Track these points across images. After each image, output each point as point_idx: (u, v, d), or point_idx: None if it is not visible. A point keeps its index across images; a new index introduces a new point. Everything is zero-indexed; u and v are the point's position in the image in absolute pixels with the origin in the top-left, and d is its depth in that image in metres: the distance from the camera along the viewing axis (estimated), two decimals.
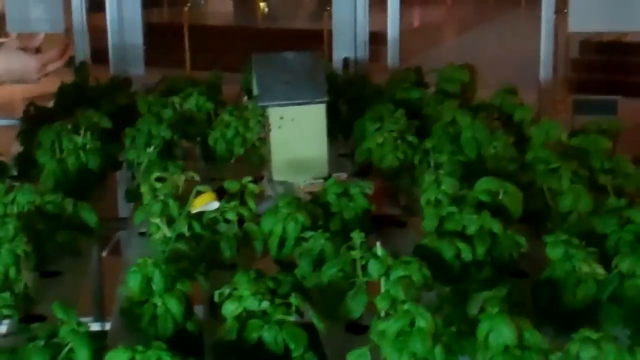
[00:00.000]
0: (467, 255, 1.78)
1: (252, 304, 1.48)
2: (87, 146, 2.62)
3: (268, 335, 1.45)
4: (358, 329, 1.77)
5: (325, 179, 2.51)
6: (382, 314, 1.56)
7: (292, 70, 2.52)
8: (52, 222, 2.14)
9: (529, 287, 1.82)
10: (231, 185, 2.07)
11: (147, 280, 1.67)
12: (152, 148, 2.55)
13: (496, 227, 1.85)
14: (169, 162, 2.48)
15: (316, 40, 10.63)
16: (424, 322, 1.36)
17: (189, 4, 12.85)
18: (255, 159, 2.86)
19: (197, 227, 2.08)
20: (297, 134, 2.53)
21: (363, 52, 4.79)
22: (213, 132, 2.83)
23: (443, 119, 2.82)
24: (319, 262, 1.86)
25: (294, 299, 1.50)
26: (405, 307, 1.38)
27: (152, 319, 1.67)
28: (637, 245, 1.79)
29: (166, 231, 2.10)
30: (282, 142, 2.52)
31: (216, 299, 1.54)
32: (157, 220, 2.11)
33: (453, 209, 1.91)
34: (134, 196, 2.54)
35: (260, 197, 2.33)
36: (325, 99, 2.52)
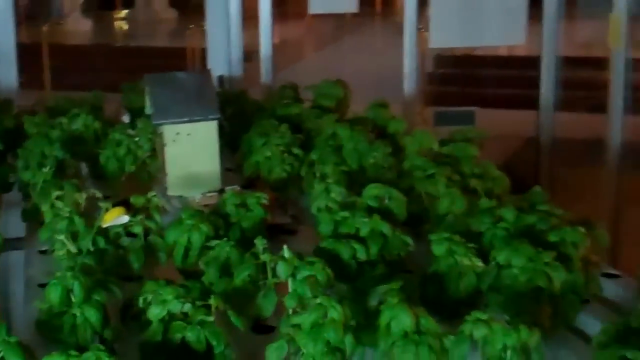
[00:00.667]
0: (362, 254, 1.96)
1: (176, 306, 1.60)
2: None
3: (191, 334, 1.58)
4: (264, 329, 1.93)
5: (218, 192, 2.66)
6: (290, 311, 1.73)
7: (184, 89, 2.66)
8: None
9: (415, 283, 2.01)
10: (137, 200, 2.18)
11: (67, 292, 1.76)
12: (47, 168, 2.62)
13: (386, 228, 2.04)
14: (64, 182, 2.57)
15: (178, 57, 10.69)
16: (336, 313, 1.52)
17: (47, 23, 12.65)
18: (145, 176, 2.96)
19: (101, 242, 2.18)
20: (191, 150, 2.66)
21: (237, 69, 4.95)
22: (104, 150, 2.91)
23: (324, 132, 3.00)
24: (224, 269, 2.00)
25: (213, 300, 1.64)
26: (318, 300, 1.55)
27: (72, 329, 1.76)
28: (510, 240, 2.00)
29: (71, 247, 2.19)
30: (176, 158, 2.65)
31: (140, 304, 1.66)
32: (61, 237, 2.20)
33: (346, 213, 2.09)
34: (30, 215, 2.61)
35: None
36: (217, 116, 2.66)
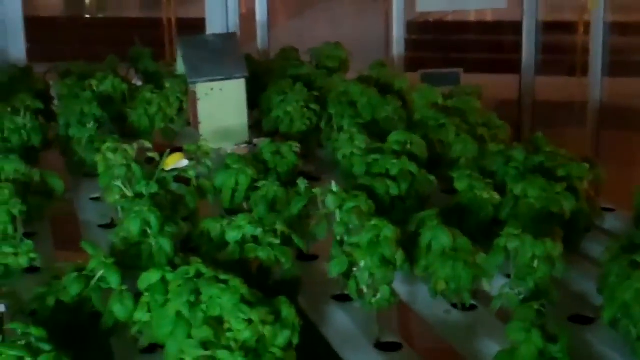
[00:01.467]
0: (394, 190, 2.23)
1: (250, 230, 1.87)
2: (28, 125, 2.91)
3: (263, 254, 1.85)
4: (309, 258, 2.20)
5: (247, 143, 2.92)
6: (339, 237, 2.00)
7: (214, 50, 2.90)
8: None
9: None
10: (189, 147, 2.43)
11: (144, 224, 2.02)
12: (91, 124, 2.86)
13: (413, 168, 2.31)
14: (106, 137, 2.82)
15: (154, 27, 10.80)
16: (389, 232, 1.80)
17: None
18: (170, 132, 3.21)
19: (155, 187, 2.44)
20: (222, 106, 2.91)
21: None
22: (136, 108, 3.15)
23: (336, 89, 3.26)
24: (271, 206, 2.26)
25: (279, 226, 1.90)
26: (373, 222, 1.82)
27: (149, 256, 2.02)
28: (522, 176, 2.28)
29: (127, 192, 2.44)
30: (209, 113, 2.90)
31: (217, 230, 1.92)
32: (118, 182, 2.45)
33: (377, 156, 2.35)
34: (76, 168, 2.86)
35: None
36: (246, 74, 2.91)
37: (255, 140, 2.91)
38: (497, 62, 7.41)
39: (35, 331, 1.53)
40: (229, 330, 1.56)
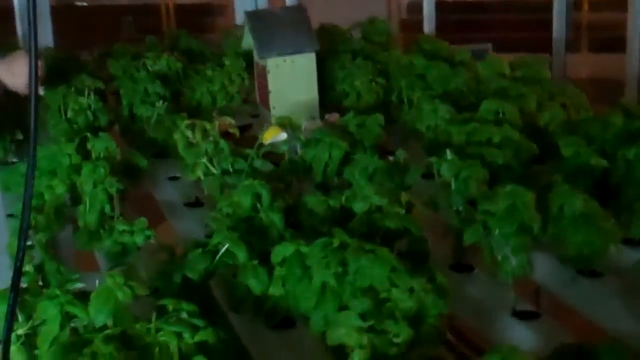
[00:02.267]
0: (499, 158, 2.17)
1: (376, 200, 1.80)
2: (92, 106, 2.83)
3: (390, 223, 1.78)
4: None
5: (317, 118, 2.85)
6: (455, 207, 1.94)
7: (283, 23, 2.82)
8: None
9: None
10: (281, 120, 2.36)
11: (255, 198, 1.95)
12: (160, 102, 2.78)
13: (515, 135, 2.24)
14: (174, 115, 2.75)
15: (152, 14, 10.67)
16: (527, 197, 1.73)
17: None
18: (228, 110, 3.14)
19: (242, 163, 2.37)
20: (292, 81, 2.84)
21: None
22: (199, 86, 3.07)
23: (398, 62, 3.19)
24: (371, 177, 2.20)
25: (403, 196, 1.84)
26: (507, 189, 1.75)
27: (260, 230, 1.95)
28: (628, 140, 2.22)
29: (213, 169, 2.37)
30: (279, 88, 2.83)
31: (342, 201, 1.85)
32: (203, 160, 2.38)
33: (476, 124, 2.29)
34: (146, 148, 2.78)
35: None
36: (317, 48, 2.84)
37: (327, 116, 2.83)
38: (523, 41, 7.31)
39: (187, 307, 1.46)
40: (385, 300, 1.49)
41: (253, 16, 2.82)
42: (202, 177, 2.40)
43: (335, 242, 1.60)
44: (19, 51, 2.76)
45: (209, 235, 2.15)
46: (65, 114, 2.83)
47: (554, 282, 1.90)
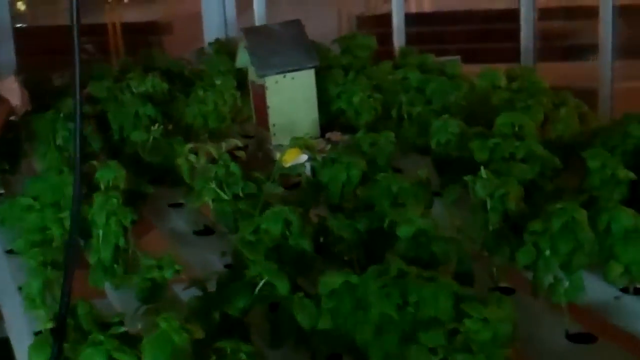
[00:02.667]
0: (528, 174, 2.10)
1: (424, 224, 1.71)
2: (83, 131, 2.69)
3: (437, 248, 1.70)
4: None
5: (320, 138, 2.76)
6: (491, 227, 1.87)
7: (281, 39, 2.73)
8: None
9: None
10: (297, 142, 2.26)
11: (285, 224, 1.85)
12: (156, 126, 2.66)
13: (540, 149, 2.18)
14: (171, 139, 2.64)
15: (98, 33, 10.46)
16: (581, 215, 1.66)
17: None
18: (220, 132, 3.03)
19: (252, 187, 2.27)
20: (292, 99, 2.74)
21: (233, 32, 4.99)
22: (190, 107, 2.96)
23: (394, 77, 3.12)
24: (395, 199, 2.11)
25: (449, 219, 1.75)
26: (559, 205, 1.68)
27: (290, 259, 1.85)
28: None
29: (223, 194, 2.26)
30: (279, 107, 2.73)
31: (385, 225, 1.76)
32: (212, 185, 2.27)
33: (498, 140, 2.22)
34: (141, 174, 2.66)
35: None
36: (317, 64, 2.75)
37: (328, 135, 2.74)
38: (490, 51, 7.30)
39: (245, 348, 1.36)
40: (454, 331, 1.41)
41: (250, 34, 2.72)
42: (210, 204, 2.29)
43: (393, 271, 1.51)
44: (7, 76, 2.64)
45: (228, 266, 2.06)
46: (54, 141, 2.69)
47: (599, 302, 1.83)
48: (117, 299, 1.94)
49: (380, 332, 1.49)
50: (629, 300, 1.82)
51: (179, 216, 2.44)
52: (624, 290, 1.84)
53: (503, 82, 3.07)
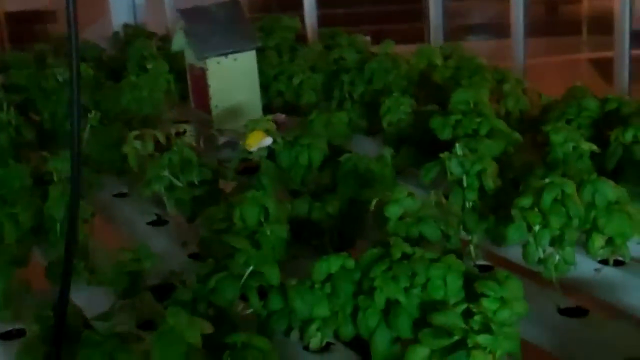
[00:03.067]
0: (495, 151, 2.07)
1: (411, 204, 1.66)
2: (13, 121, 2.55)
3: (427, 229, 1.65)
4: None
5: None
6: (469, 204, 1.84)
7: (219, 20, 2.63)
8: None
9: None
10: (256, 124, 2.17)
11: (262, 211, 1.77)
12: (92, 113, 2.53)
13: (502, 125, 2.16)
14: (109, 127, 2.52)
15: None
16: (570, 188, 1.64)
17: None
18: (158, 118, 2.93)
19: (208, 174, 2.18)
20: (234, 82, 2.65)
21: (142, 15, 4.84)
22: (124, 94, 2.82)
23: (326, 57, 3.06)
24: (361, 180, 2.05)
25: (434, 195, 1.71)
26: (548, 180, 1.65)
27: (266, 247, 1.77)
28: (617, 123, 2.17)
29: (178, 182, 2.17)
30: (220, 90, 2.63)
31: (372, 206, 1.70)
32: (165, 173, 2.16)
33: (459, 116, 2.18)
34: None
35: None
36: (258, 45, 2.66)
37: (271, 117, 2.66)
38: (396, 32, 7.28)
39: (258, 342, 1.28)
40: (468, 312, 1.36)
41: (186, 15, 2.60)
42: (163, 192, 2.19)
43: (396, 253, 1.45)
44: None
45: (193, 255, 1.97)
46: None
47: (575, 275, 1.82)
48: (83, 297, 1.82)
49: (386, 317, 1.43)
50: (609, 271, 1.81)
51: (127, 207, 2.32)
52: (604, 262, 1.83)
53: (439, 60, 3.04)
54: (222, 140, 2.60)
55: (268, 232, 1.77)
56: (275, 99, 2.91)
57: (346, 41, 3.39)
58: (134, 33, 3.94)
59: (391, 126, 2.46)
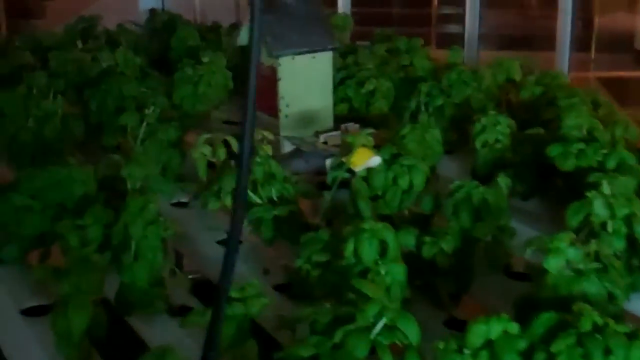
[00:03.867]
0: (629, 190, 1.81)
1: (575, 255, 1.39)
2: (59, 111, 2.26)
3: (592, 286, 1.38)
4: None
5: (330, 131, 2.40)
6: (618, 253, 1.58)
7: (296, 15, 2.35)
8: None
9: None
10: (355, 139, 1.89)
11: (380, 247, 1.50)
12: (151, 109, 2.23)
13: (632, 159, 1.90)
14: (165, 124, 2.24)
15: None
16: None
17: None
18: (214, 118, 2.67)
19: (289, 190, 1.91)
20: (308, 84, 2.37)
21: (171, 2, 4.56)
22: (178, 88, 2.54)
23: (394, 64, 2.80)
24: (477, 212, 1.79)
25: (593, 246, 1.44)
26: None
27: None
28: None
29: (255, 198, 1.89)
30: (291, 93, 2.36)
31: (527, 252, 1.43)
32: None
33: (581, 145, 1.92)
34: None
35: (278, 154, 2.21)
36: (337, 45, 2.39)
37: (343, 126, 2.39)
38: None
39: None
40: None
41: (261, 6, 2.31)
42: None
43: (586, 324, 1.18)
44: None
45: (279, 288, 1.71)
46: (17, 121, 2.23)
47: None
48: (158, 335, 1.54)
49: None
50: None
51: (190, 219, 2.04)
52: None
53: (518, 75, 2.78)
54: (288, 148, 2.32)
55: (383, 272, 1.50)
56: (339, 105, 2.63)
57: (404, 45, 3.13)
58: (169, 20, 3.65)
59: (485, 147, 2.20)
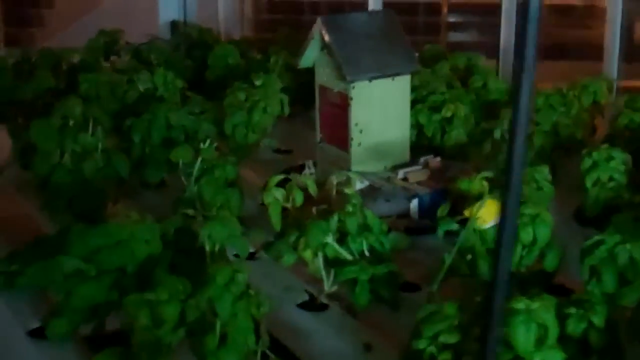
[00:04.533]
0: None
1: None
2: (101, 145, 1.94)
3: None
4: None
5: (407, 164, 2.10)
6: None
7: (371, 34, 2.04)
8: None
9: None
10: (469, 185, 1.58)
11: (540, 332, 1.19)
12: (206, 143, 1.92)
13: None
14: (223, 159, 1.93)
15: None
16: None
17: None
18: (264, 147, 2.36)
19: (386, 243, 1.60)
20: (383, 113, 2.06)
21: (193, 12, 4.25)
22: (229, 116, 2.22)
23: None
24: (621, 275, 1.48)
25: None
26: None
27: None
28: None
29: (344, 253, 1.58)
30: (364, 122, 2.04)
31: None
32: (329, 239, 1.58)
33: None
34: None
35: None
36: (416, 68, 2.08)
37: (423, 159, 2.08)
38: None
39: None
40: None
41: (329, 25, 2.00)
42: (315, 262, 1.60)
43: None
44: None
45: None
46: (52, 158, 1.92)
47: None
48: None
49: None
50: None
51: (260, 274, 1.73)
52: None
53: (605, 97, 2.48)
54: (360, 186, 2.01)
55: None
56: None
57: (463, 62, 2.83)
58: (199, 34, 3.34)
59: (596, 186, 1.89)
